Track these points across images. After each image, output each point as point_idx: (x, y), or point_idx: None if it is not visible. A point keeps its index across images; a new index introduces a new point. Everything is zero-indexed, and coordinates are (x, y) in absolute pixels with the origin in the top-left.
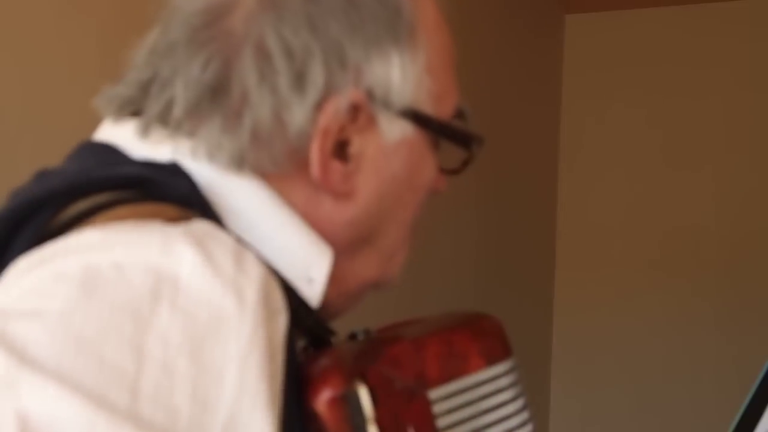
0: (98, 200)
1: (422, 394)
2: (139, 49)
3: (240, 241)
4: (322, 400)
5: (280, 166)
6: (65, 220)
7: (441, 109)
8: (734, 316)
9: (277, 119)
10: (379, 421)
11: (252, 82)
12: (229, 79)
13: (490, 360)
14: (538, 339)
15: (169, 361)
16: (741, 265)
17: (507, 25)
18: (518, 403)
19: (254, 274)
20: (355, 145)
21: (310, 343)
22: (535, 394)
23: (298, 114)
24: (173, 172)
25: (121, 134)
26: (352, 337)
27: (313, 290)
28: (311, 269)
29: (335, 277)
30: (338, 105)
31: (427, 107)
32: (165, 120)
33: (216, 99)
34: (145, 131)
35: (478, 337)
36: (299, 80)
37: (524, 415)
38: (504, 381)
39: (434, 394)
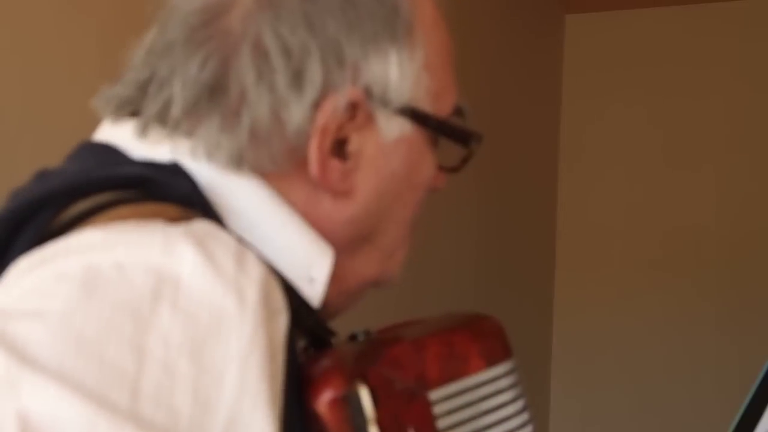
0: (99, 200)
1: (423, 395)
2: (137, 49)
3: (241, 240)
4: (323, 400)
5: (279, 165)
6: (66, 220)
7: (439, 107)
8: (734, 315)
9: (276, 118)
10: (380, 422)
11: (250, 81)
12: (227, 78)
13: (491, 361)
14: (538, 339)
15: (169, 362)
16: (741, 265)
17: (507, 25)
18: (518, 404)
19: (255, 274)
20: (354, 144)
21: (311, 343)
22: (535, 395)
23: (296, 112)
24: (174, 171)
25: (120, 134)
26: (353, 337)
27: (314, 290)
28: (312, 269)
29: (335, 276)
30: (336, 103)
31: (426, 105)
32: (163, 120)
33: (214, 98)
34: (143, 131)
35: (479, 338)
36: (297, 78)
37: (524, 416)
38: (504, 382)
39: (435, 395)
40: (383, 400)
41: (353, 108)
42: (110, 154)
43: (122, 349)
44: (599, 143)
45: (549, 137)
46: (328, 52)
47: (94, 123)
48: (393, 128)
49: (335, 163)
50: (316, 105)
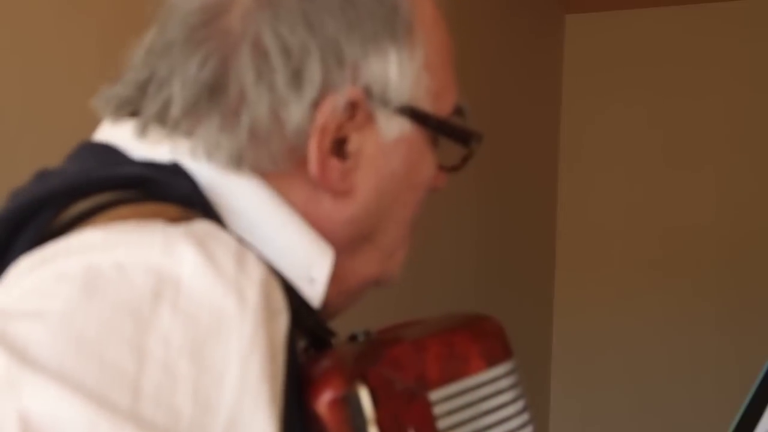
0: (99, 200)
1: (423, 395)
2: (136, 48)
3: (241, 241)
4: (323, 401)
5: (279, 165)
6: (66, 220)
7: (439, 106)
8: (734, 315)
9: (275, 117)
10: (380, 423)
11: (249, 81)
12: (227, 78)
13: (491, 361)
14: (538, 339)
15: (170, 362)
16: (741, 265)
17: (507, 25)
18: (519, 405)
19: (255, 274)
20: (354, 143)
21: (311, 343)
22: (535, 395)
23: (295, 112)
24: (174, 172)
25: (120, 134)
26: (353, 338)
27: (314, 290)
28: (312, 269)
29: (335, 276)
30: (336, 102)
31: (426, 104)
32: (163, 120)
33: (213, 98)
34: (143, 131)
35: (479, 339)
36: (296, 78)
37: (525, 417)
38: (504, 382)
39: (435, 395)
40: (383, 400)
41: (353, 107)
42: (110, 154)
43: (123, 350)
44: (599, 143)
45: (549, 137)
46: (328, 52)
47: (94, 123)
48: (393, 128)
49: (335, 163)
50: (316, 104)
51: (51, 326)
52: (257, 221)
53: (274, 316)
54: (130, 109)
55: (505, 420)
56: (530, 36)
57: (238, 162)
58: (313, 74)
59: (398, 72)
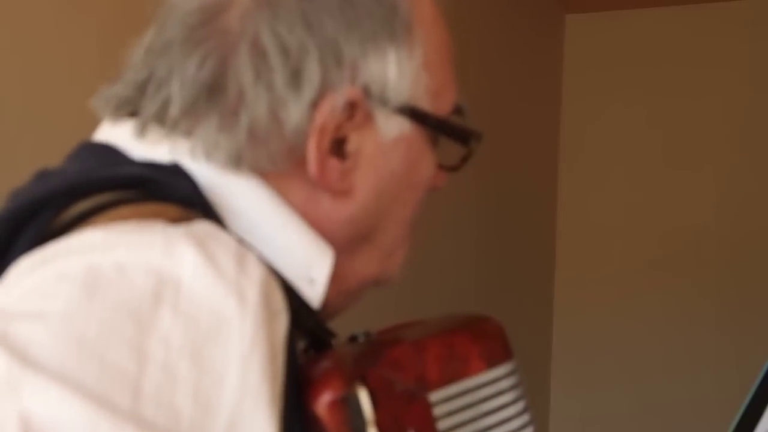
0: (99, 200)
1: (423, 396)
2: (136, 48)
3: (241, 241)
4: (322, 402)
5: (278, 165)
6: (67, 220)
7: (439, 106)
8: (734, 316)
9: (274, 117)
10: (380, 424)
11: (248, 80)
12: (225, 78)
13: (491, 362)
14: (538, 339)
15: (170, 363)
16: (741, 265)
17: (507, 25)
18: (519, 406)
19: (255, 275)
20: (353, 143)
21: (311, 344)
22: (535, 395)
23: (294, 111)
24: (174, 172)
25: (119, 134)
26: (353, 339)
27: (314, 291)
28: (312, 269)
29: (335, 276)
30: (335, 102)
31: (425, 104)
32: (162, 119)
33: (212, 98)
34: (142, 131)
35: (479, 340)
36: (295, 78)
37: (525, 417)
38: (505, 383)
39: (435, 396)
40: (383, 401)
41: (352, 107)
42: (110, 154)
43: (123, 350)
44: (599, 143)
45: (549, 137)
46: (327, 52)
47: (94, 123)
48: (392, 127)
49: (334, 163)
50: (315, 104)
51: (52, 327)
52: (257, 221)
53: (273, 316)
54: (130, 109)
55: (505, 421)
56: (530, 36)
57: (237, 162)
58: (312, 74)
59: (397, 71)
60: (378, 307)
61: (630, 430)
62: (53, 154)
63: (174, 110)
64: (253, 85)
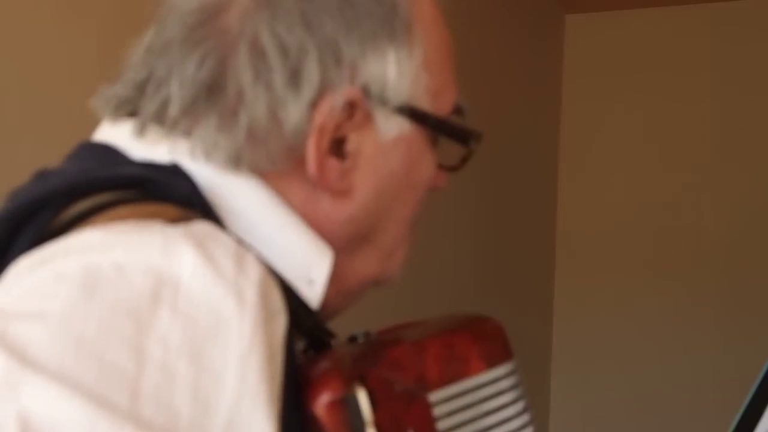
0: (99, 200)
1: (422, 396)
2: (135, 48)
3: (240, 242)
4: (321, 403)
5: (277, 165)
6: (66, 220)
7: (439, 106)
8: (732, 317)
9: (273, 117)
10: (379, 424)
11: (247, 80)
12: (225, 77)
13: (491, 363)
14: (538, 339)
15: (169, 363)
16: (739, 268)
17: (507, 25)
18: (519, 406)
19: (254, 275)
20: (352, 143)
21: (310, 345)
22: (535, 395)
23: (293, 111)
24: (173, 172)
25: (119, 134)
26: (352, 339)
27: (313, 291)
28: (311, 270)
29: (335, 276)
30: (334, 102)
31: (425, 103)
32: (161, 119)
33: (211, 97)
34: (141, 131)
35: (479, 340)
36: (294, 77)
37: (525, 418)
38: (505, 383)
39: (435, 396)
40: (382, 402)
41: (351, 107)
42: (110, 154)
43: (122, 350)
44: (599, 144)
45: (549, 137)
46: (326, 51)
47: (94, 123)
48: (391, 127)
49: (333, 163)
50: (314, 104)
51: (50, 327)
52: (256, 222)
53: (272, 317)
54: (129, 109)
55: (505, 421)
56: (530, 36)
57: (236, 162)
58: (311, 74)
59: (397, 71)
60: (377, 307)
61: (629, 430)
62: (53, 154)
63: (173, 110)
64: (252, 85)
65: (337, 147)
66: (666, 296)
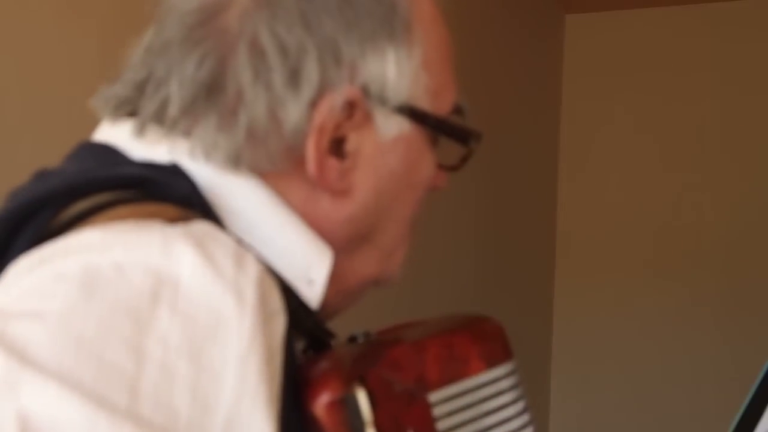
0: (98, 200)
1: (422, 396)
2: (135, 48)
3: (240, 242)
4: (321, 403)
5: (277, 165)
6: (65, 220)
7: (438, 105)
8: (732, 317)
9: (273, 117)
10: (378, 425)
11: (247, 80)
12: (224, 77)
13: (491, 363)
14: (538, 339)
15: (168, 362)
16: (739, 268)
17: (507, 25)
18: (519, 406)
19: (254, 275)
20: (352, 142)
21: (310, 345)
22: (535, 395)
23: (293, 111)
24: (173, 172)
25: (118, 134)
26: (352, 339)
27: (313, 292)
28: (311, 270)
29: (334, 276)
30: (333, 102)
31: (424, 103)
32: (160, 119)
33: (211, 97)
34: (140, 131)
35: (479, 340)
36: (294, 77)
37: (525, 418)
38: (505, 383)
39: (434, 396)
40: (382, 402)
41: (351, 107)
42: (109, 154)
43: (121, 350)
44: (599, 144)
45: (549, 137)
46: (325, 51)
47: (94, 123)
48: (391, 127)
49: (333, 162)
50: (313, 104)
51: (50, 326)
52: (256, 222)
53: (271, 317)
54: (129, 108)
55: (505, 421)
56: (530, 36)
57: (235, 162)
58: (311, 73)
59: (396, 71)
60: (377, 307)
61: (629, 430)
62: (53, 154)
63: (173, 110)
64: (251, 85)
65: (337, 147)
66: (666, 296)
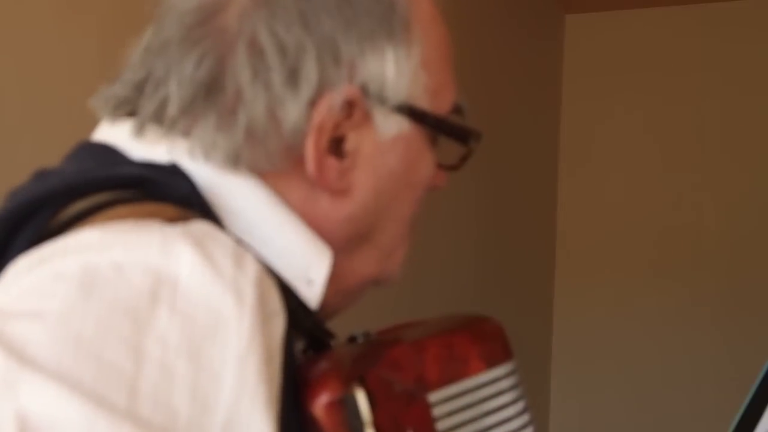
0: (98, 200)
1: (422, 397)
2: (134, 48)
3: (239, 242)
4: (320, 404)
5: (276, 164)
6: (65, 219)
7: (438, 105)
8: (732, 318)
9: (272, 116)
10: (378, 425)
11: (245, 79)
12: (223, 77)
13: (491, 363)
14: (538, 339)
15: (168, 362)
16: (739, 268)
17: (507, 25)
18: (519, 406)
19: (253, 274)
20: (351, 142)
21: (309, 345)
22: (535, 395)
23: (292, 110)
24: (172, 172)
25: (118, 134)
26: (352, 339)
27: (312, 291)
28: (310, 270)
29: (334, 276)
30: (332, 101)
31: (424, 102)
32: (160, 119)
33: (210, 97)
34: (140, 131)
35: (479, 340)
36: (293, 76)
37: (525, 418)
38: (504, 383)
39: (434, 396)
40: (381, 402)
41: (350, 106)
42: (109, 154)
43: (120, 349)
44: (599, 144)
45: (549, 137)
46: (324, 50)
47: (94, 123)
48: (390, 126)
49: (332, 162)
50: (313, 103)
51: (49, 326)
52: (255, 221)
53: (270, 317)
54: (128, 108)
55: (505, 421)
56: (530, 36)
57: (235, 161)
58: (310, 73)
59: (395, 70)
60: (377, 307)
61: (629, 430)
62: (53, 154)
63: (172, 110)
64: (250, 84)
65: (336, 146)
66: (666, 296)
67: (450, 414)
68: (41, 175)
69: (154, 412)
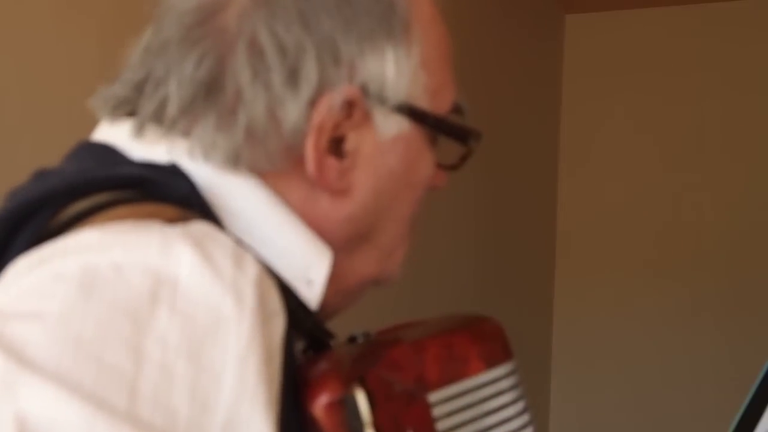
0: (97, 200)
1: (422, 397)
2: (134, 48)
3: (239, 242)
4: (319, 404)
5: (276, 164)
6: (64, 220)
7: (437, 104)
8: (732, 318)
9: (272, 116)
10: (378, 425)
11: (245, 79)
12: (223, 77)
13: (491, 363)
14: (538, 341)
15: (167, 363)
16: (740, 268)
17: (507, 25)
18: (519, 406)
19: (253, 275)
20: (351, 142)
21: (309, 345)
22: (535, 395)
23: (292, 110)
24: (172, 172)
25: (117, 134)
26: (352, 339)
27: (312, 292)
28: (310, 270)
29: (334, 276)
30: (332, 101)
31: (423, 102)
32: (159, 119)
33: (210, 97)
34: (139, 131)
35: (479, 340)
36: (292, 76)
37: (525, 418)
38: (504, 383)
39: (434, 397)
40: (381, 402)
41: (350, 106)
42: (108, 154)
43: (120, 350)
44: (599, 144)
45: (549, 137)
46: (324, 50)
47: (94, 123)
48: (390, 126)
49: (332, 162)
50: (312, 103)
51: (48, 327)
52: (255, 222)
53: (270, 318)
54: (128, 108)
55: (505, 421)
56: (530, 36)
57: (235, 161)
58: (310, 73)
59: (395, 70)
60: (377, 307)
61: (629, 430)
62: (53, 154)
63: (172, 110)
64: (250, 84)
65: (336, 146)
66: (666, 296)
67: (450, 414)
68: (41, 175)
69: (154, 413)
